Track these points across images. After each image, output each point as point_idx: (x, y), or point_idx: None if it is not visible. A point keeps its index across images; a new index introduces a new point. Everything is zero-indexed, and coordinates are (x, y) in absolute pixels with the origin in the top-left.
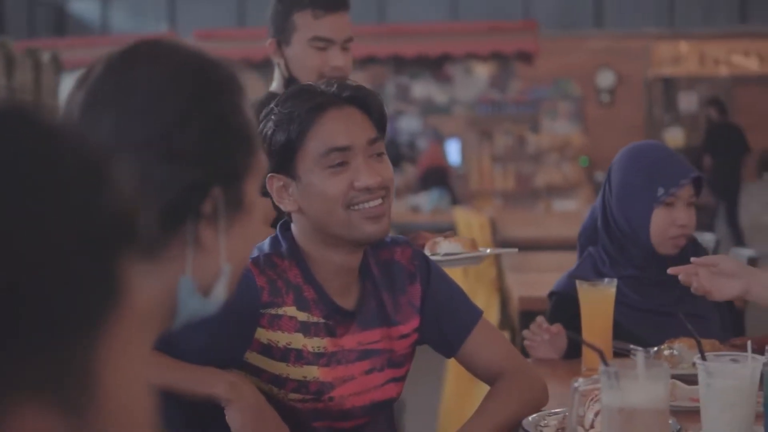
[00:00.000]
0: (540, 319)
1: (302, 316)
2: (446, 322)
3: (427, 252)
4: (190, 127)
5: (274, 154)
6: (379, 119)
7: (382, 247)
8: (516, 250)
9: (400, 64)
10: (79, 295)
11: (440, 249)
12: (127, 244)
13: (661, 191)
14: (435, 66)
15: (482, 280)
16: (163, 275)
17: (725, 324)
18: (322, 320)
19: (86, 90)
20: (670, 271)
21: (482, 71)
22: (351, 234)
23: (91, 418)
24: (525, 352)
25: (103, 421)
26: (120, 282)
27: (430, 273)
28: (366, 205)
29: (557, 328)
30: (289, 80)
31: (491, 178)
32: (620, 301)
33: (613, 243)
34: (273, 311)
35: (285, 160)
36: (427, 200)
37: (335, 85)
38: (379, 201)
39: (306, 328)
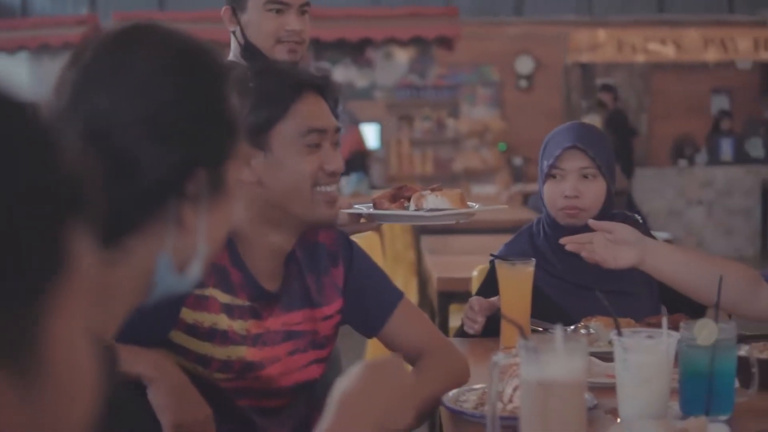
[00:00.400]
0: (472, 301)
1: (226, 299)
2: (369, 303)
3: (412, 205)
4: (181, 110)
5: (247, 125)
6: (334, 111)
7: (306, 230)
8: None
9: (320, 48)
10: (25, 264)
11: (426, 203)
12: (74, 214)
13: (545, 164)
14: (355, 51)
15: (401, 263)
16: (144, 250)
17: (655, 302)
18: (247, 303)
19: (79, 69)
20: (562, 241)
21: (402, 56)
22: (310, 214)
23: (40, 386)
24: (446, 332)
25: (50, 388)
26: (67, 252)
27: (352, 255)
28: (327, 189)
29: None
30: (246, 47)
31: (411, 162)
32: (552, 274)
33: (548, 217)
34: (198, 291)
35: (256, 133)
36: (346, 184)
37: (306, 70)
38: (335, 187)
39: (230, 310)
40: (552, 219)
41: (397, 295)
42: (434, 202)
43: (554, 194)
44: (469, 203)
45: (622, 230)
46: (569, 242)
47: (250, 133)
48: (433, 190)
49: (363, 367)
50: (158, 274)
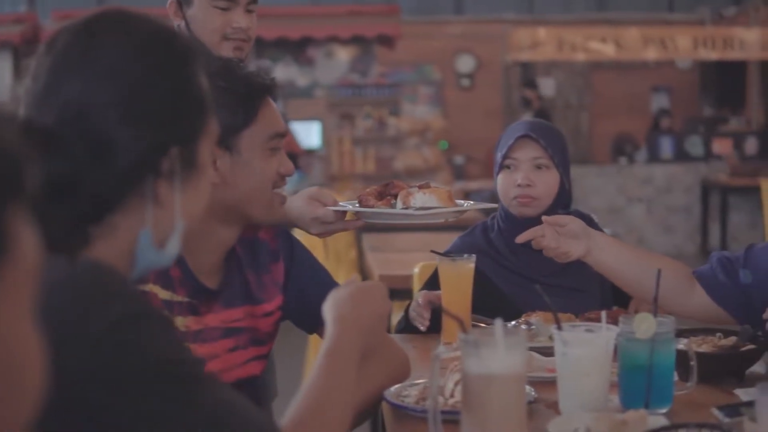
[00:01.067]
0: (418, 295)
1: (166, 295)
2: (311, 299)
3: (399, 203)
4: (153, 91)
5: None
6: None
7: (248, 225)
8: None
9: (261, 47)
10: None
11: (414, 201)
12: (13, 197)
13: (499, 156)
14: (296, 49)
15: (343, 261)
16: (126, 226)
17: (606, 298)
18: (186, 299)
19: (54, 55)
20: (518, 239)
21: (344, 55)
22: (267, 214)
23: None
24: (388, 328)
25: None
26: (7, 235)
27: (293, 251)
28: (279, 191)
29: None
30: None
31: (352, 160)
32: (506, 268)
33: (503, 210)
34: (140, 287)
35: (225, 135)
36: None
37: (262, 73)
38: (284, 188)
39: (169, 307)
40: (506, 212)
41: None
42: (422, 199)
43: (507, 184)
44: (457, 201)
45: (573, 224)
46: (527, 237)
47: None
48: (420, 187)
49: (354, 285)
50: (140, 249)
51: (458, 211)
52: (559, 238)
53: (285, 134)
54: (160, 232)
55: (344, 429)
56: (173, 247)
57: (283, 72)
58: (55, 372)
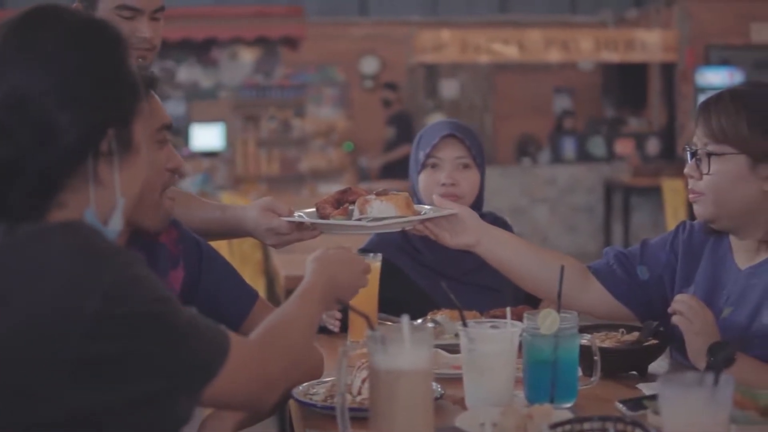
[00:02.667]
0: None
1: None
2: (223, 305)
3: (356, 211)
4: (88, 77)
5: None
6: None
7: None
8: (456, 211)
9: (164, 48)
10: None
11: (371, 209)
12: None
13: (421, 154)
14: (200, 50)
15: (249, 263)
16: (74, 204)
17: (518, 298)
18: None
19: None
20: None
21: (248, 56)
22: (156, 215)
23: None
24: None
25: None
26: None
27: (201, 256)
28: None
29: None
30: None
31: (257, 162)
32: (423, 264)
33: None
34: None
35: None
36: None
37: (142, 69)
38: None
39: None
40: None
41: (253, 296)
42: (379, 207)
43: (431, 183)
44: (416, 207)
45: (465, 212)
46: (420, 231)
47: None
48: (378, 194)
49: (344, 251)
50: None
51: (413, 221)
52: (449, 225)
53: (171, 125)
54: (103, 210)
55: (302, 354)
56: (116, 224)
57: (186, 73)
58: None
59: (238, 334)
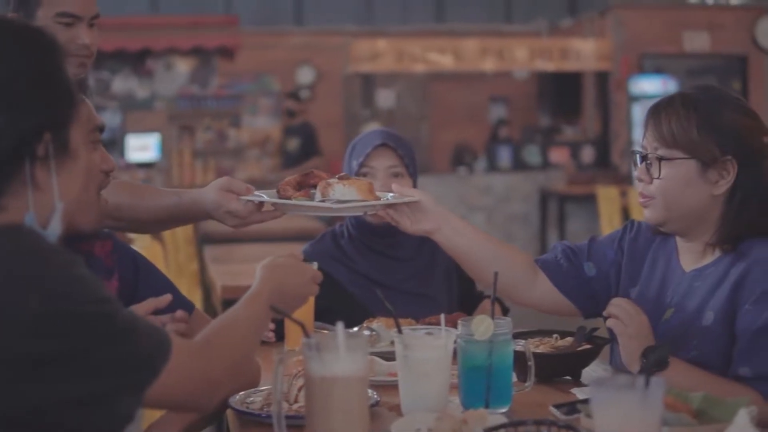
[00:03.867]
0: None
1: None
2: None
3: (318, 194)
4: (24, 81)
5: None
6: None
7: (83, 239)
8: (417, 198)
9: (99, 58)
10: None
11: (333, 193)
12: None
13: (354, 164)
14: (135, 60)
15: (184, 274)
16: (14, 208)
17: (453, 305)
18: None
19: None
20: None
21: (183, 66)
22: (89, 215)
23: None
24: None
25: None
26: None
27: (138, 269)
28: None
29: None
30: None
31: (192, 172)
32: (357, 273)
33: (354, 218)
34: None
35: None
36: None
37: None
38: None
39: None
40: (359, 220)
41: (189, 307)
42: (342, 191)
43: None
44: (378, 194)
45: (426, 197)
46: (398, 189)
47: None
48: (340, 178)
49: (293, 259)
50: None
51: (377, 205)
52: (410, 212)
53: (103, 127)
54: (42, 214)
55: (245, 357)
56: (55, 228)
57: (122, 84)
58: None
59: (181, 337)
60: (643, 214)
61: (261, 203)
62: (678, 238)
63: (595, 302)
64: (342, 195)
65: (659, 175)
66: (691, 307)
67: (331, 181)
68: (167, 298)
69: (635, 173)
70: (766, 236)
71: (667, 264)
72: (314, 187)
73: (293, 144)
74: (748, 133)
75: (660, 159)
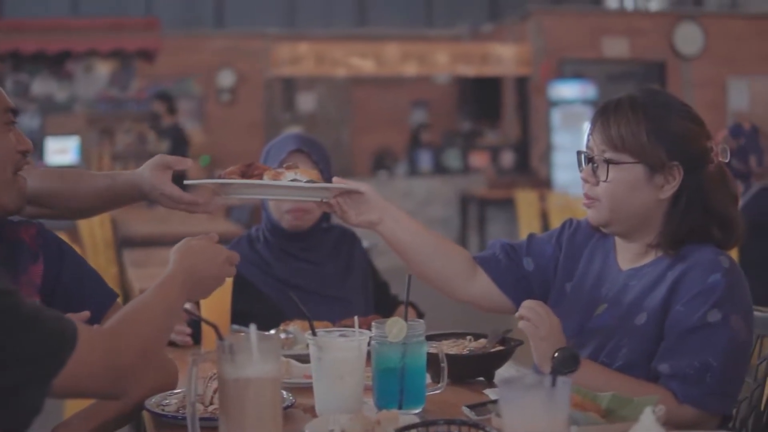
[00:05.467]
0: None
1: None
2: (82, 300)
3: (266, 178)
4: None
5: None
6: None
7: (8, 225)
8: (364, 189)
9: (18, 60)
10: None
11: (285, 179)
12: None
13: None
14: (55, 63)
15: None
16: None
17: (369, 308)
18: None
19: None
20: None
21: (103, 69)
22: (9, 196)
23: None
24: None
25: None
26: None
27: (62, 254)
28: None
29: None
30: None
31: None
32: (273, 277)
33: (269, 222)
34: None
35: None
36: None
37: None
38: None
39: None
40: (274, 224)
41: (113, 295)
42: (294, 177)
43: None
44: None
45: (371, 191)
46: (339, 180)
47: None
48: (288, 168)
49: (208, 241)
50: None
51: (340, 187)
52: (353, 203)
53: (16, 110)
54: None
55: (158, 341)
56: None
57: (41, 86)
58: None
59: (88, 325)
60: (565, 215)
61: (205, 188)
62: (617, 238)
63: (530, 297)
64: (283, 183)
65: (606, 178)
66: (625, 304)
67: (279, 170)
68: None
69: (581, 174)
70: (705, 241)
71: (603, 261)
72: (258, 177)
73: (163, 147)
74: (694, 139)
75: (608, 162)
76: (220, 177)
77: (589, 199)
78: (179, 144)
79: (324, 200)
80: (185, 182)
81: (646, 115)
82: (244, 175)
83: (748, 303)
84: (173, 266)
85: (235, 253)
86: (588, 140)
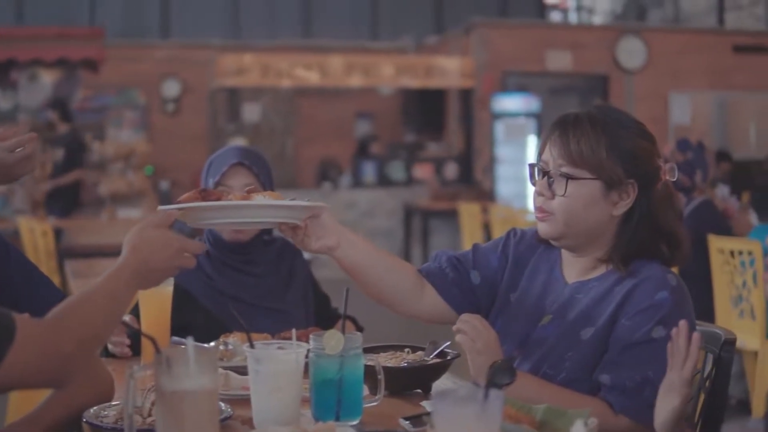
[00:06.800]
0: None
1: None
2: (27, 302)
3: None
4: None
5: None
6: None
7: None
8: (325, 205)
9: None
10: None
11: (255, 201)
12: None
13: (210, 182)
14: None
15: None
16: None
17: (310, 320)
18: None
19: None
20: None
21: (48, 78)
22: None
23: None
24: None
25: None
26: None
27: (8, 253)
28: None
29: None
30: None
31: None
32: (214, 289)
33: (211, 235)
34: None
35: None
36: None
37: None
38: None
39: None
40: (216, 237)
41: (61, 296)
42: (263, 200)
43: None
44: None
45: (327, 215)
46: (286, 231)
47: None
48: (249, 191)
49: (164, 230)
50: None
51: (316, 207)
52: (311, 228)
53: None
54: None
55: (102, 330)
56: None
57: None
58: None
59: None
60: (508, 227)
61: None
62: (564, 251)
63: (476, 311)
64: (263, 202)
65: (564, 193)
66: (571, 317)
67: (243, 194)
68: None
69: (535, 188)
70: (653, 258)
71: (549, 273)
72: (218, 199)
73: (57, 155)
74: (648, 157)
75: (567, 177)
76: (178, 203)
77: (542, 213)
78: (74, 152)
79: (295, 222)
80: (159, 207)
81: (605, 131)
82: (203, 201)
83: (692, 321)
84: (123, 258)
85: (192, 243)
86: (541, 153)
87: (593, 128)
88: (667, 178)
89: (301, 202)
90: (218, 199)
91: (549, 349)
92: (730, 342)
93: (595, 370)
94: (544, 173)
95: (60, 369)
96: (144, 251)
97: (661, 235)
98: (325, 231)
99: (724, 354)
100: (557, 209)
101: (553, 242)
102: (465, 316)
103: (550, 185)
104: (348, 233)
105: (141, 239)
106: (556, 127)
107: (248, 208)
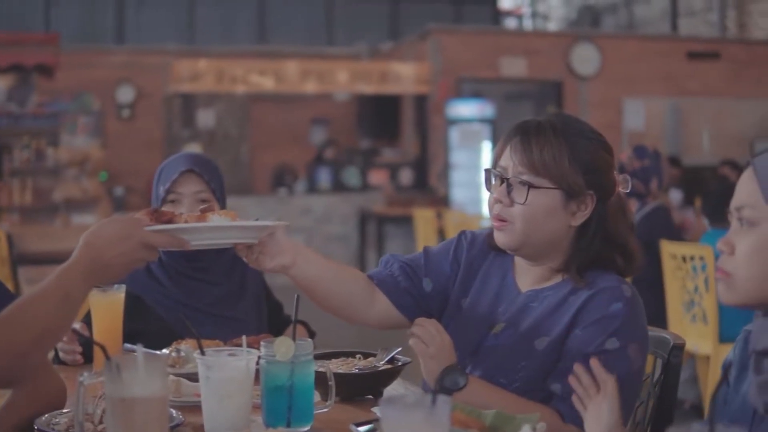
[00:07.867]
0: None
1: None
2: None
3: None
4: None
5: None
6: None
7: None
8: (287, 223)
9: None
10: None
11: (211, 221)
12: None
13: (161, 189)
14: None
15: None
16: None
17: (262, 328)
18: None
19: None
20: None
21: (1, 83)
22: None
23: None
24: None
25: None
26: None
27: None
28: None
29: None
30: None
31: (9, 192)
32: (168, 297)
33: None
34: None
35: None
36: None
37: None
38: None
39: None
40: None
41: (12, 299)
42: (219, 220)
43: None
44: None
45: (281, 232)
46: (241, 249)
47: None
48: (203, 211)
49: (125, 227)
50: None
51: (275, 225)
52: (266, 247)
53: None
54: None
55: (54, 326)
56: None
57: None
58: None
59: None
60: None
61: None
62: (518, 259)
63: (430, 317)
64: (220, 222)
65: (524, 201)
66: (524, 326)
67: (197, 214)
68: None
69: (492, 194)
70: (608, 269)
71: (501, 280)
72: (170, 221)
73: None
74: (607, 169)
75: (528, 185)
76: None
77: (500, 221)
78: None
79: (251, 242)
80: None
81: (567, 141)
82: (157, 222)
83: (645, 332)
84: (77, 253)
85: (152, 236)
86: (498, 159)
87: (556, 137)
88: (621, 189)
89: (257, 223)
90: (170, 220)
91: (502, 357)
92: (679, 347)
93: (546, 379)
94: (503, 180)
95: (13, 366)
96: (98, 246)
97: (615, 247)
98: (280, 249)
99: (673, 359)
100: (516, 217)
101: (510, 252)
102: (420, 320)
103: (509, 192)
104: (303, 249)
105: (95, 235)
106: (516, 133)
107: (202, 231)
